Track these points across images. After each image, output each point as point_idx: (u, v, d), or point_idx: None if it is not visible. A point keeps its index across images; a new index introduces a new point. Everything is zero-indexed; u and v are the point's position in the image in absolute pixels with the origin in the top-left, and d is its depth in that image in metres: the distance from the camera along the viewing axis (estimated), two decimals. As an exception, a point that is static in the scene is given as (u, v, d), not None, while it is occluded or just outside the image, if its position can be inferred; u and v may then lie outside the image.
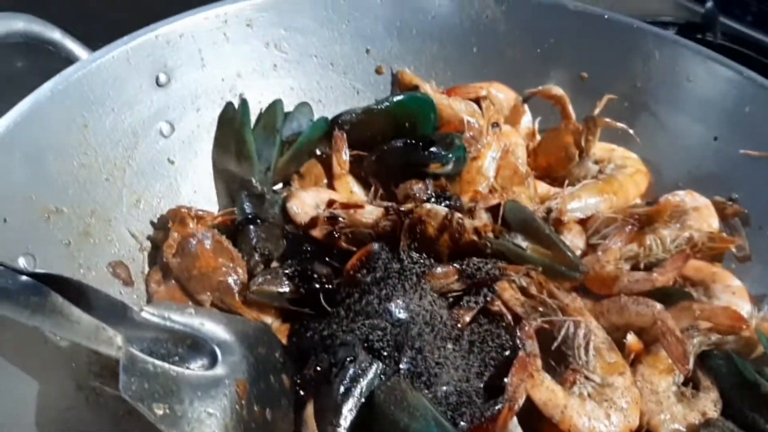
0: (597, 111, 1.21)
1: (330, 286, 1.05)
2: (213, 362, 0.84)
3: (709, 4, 1.78)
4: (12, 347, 0.85)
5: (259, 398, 0.85)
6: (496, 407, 0.88)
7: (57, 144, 0.97)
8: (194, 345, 0.85)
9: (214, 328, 0.88)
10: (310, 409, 0.91)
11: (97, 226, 1.02)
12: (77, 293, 0.77)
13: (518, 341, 0.95)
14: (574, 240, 1.11)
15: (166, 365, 0.79)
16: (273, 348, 0.95)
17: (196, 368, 0.82)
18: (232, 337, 0.88)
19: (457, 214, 1.05)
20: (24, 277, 0.74)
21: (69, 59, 1.03)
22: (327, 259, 1.10)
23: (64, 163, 0.98)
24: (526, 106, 1.31)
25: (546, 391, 0.91)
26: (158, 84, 1.10)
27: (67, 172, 0.98)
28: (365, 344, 0.95)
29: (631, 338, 0.99)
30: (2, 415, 0.82)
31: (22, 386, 0.86)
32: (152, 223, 1.11)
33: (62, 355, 0.93)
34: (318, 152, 1.25)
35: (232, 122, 1.17)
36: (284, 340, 1.02)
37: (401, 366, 0.93)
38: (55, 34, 1.04)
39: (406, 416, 0.85)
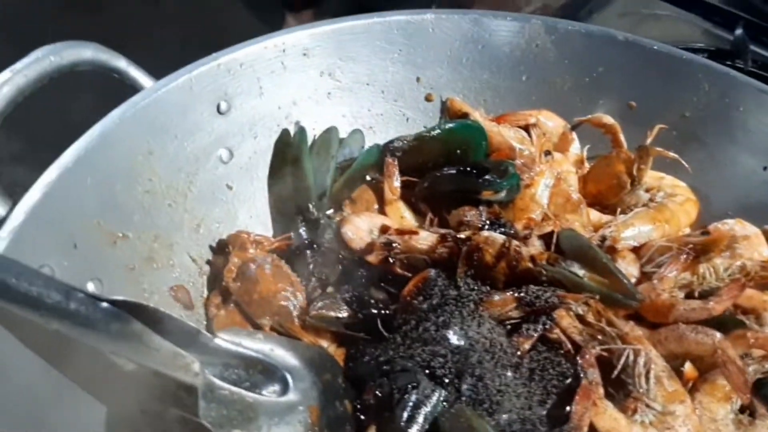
0: (649, 141, 1.22)
1: (387, 312, 1.06)
2: (284, 388, 0.85)
3: (739, 32, 1.80)
4: (82, 373, 0.87)
5: (328, 425, 0.86)
6: (562, 433, 0.88)
7: (124, 170, 0.99)
8: (265, 371, 0.86)
9: (283, 354, 0.89)
10: (371, 436, 0.92)
11: (160, 251, 1.03)
12: (152, 319, 0.79)
13: (580, 369, 0.96)
14: (628, 268, 1.12)
15: (243, 391, 0.80)
16: (336, 374, 0.96)
17: (268, 395, 0.83)
18: (300, 363, 0.89)
19: (515, 242, 1.06)
20: (105, 304, 0.76)
21: (134, 87, 1.05)
22: (382, 284, 1.11)
23: (130, 189, 1.00)
24: (574, 134, 1.32)
25: (609, 419, 0.92)
26: (219, 111, 1.12)
27: (132, 198, 1.00)
28: (427, 371, 0.96)
29: (688, 366, 1.00)
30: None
31: (91, 412, 0.87)
32: (211, 247, 1.12)
33: (127, 379, 0.94)
34: (369, 178, 1.26)
35: (288, 148, 1.19)
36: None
37: (463, 393, 0.94)
38: (121, 63, 1.06)
39: (474, 442, 0.85)
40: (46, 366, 0.82)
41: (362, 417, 0.94)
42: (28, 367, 0.80)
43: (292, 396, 0.84)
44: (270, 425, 0.78)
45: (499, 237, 1.06)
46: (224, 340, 0.84)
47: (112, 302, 0.76)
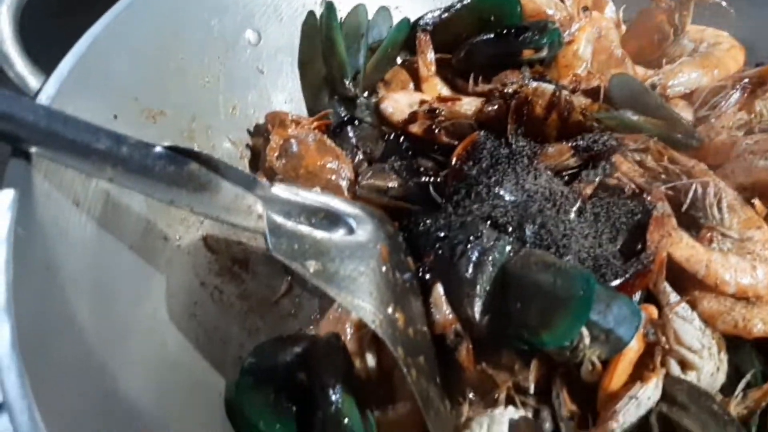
0: (688, -14, 1.17)
1: (438, 179, 1.02)
2: (350, 233, 0.81)
3: None
4: (134, 241, 0.83)
5: (397, 266, 0.82)
6: (645, 261, 0.84)
7: (155, 46, 0.95)
8: (328, 218, 0.82)
9: (342, 204, 0.85)
10: (438, 291, 0.87)
11: (198, 132, 1.00)
12: (208, 166, 0.75)
13: (649, 204, 0.92)
14: (682, 113, 1.07)
15: (312, 228, 0.76)
16: (395, 231, 0.92)
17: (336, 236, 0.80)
18: (361, 212, 0.85)
19: (565, 91, 1.02)
20: (158, 148, 0.72)
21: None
22: (429, 155, 1.07)
23: (163, 66, 0.96)
24: (609, -5, 1.28)
25: (686, 247, 0.88)
26: (241, -9, 1.08)
27: (166, 75, 0.96)
28: (488, 221, 0.92)
29: (758, 203, 0.96)
30: (134, 308, 0.80)
31: (148, 281, 0.84)
32: (249, 132, 1.08)
33: (182, 253, 0.91)
34: (400, 60, 1.22)
35: (317, 30, 1.15)
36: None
37: (527, 240, 0.90)
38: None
39: (551, 275, 0.81)
40: (100, 232, 0.78)
41: (426, 276, 0.91)
42: (85, 231, 0.76)
43: (360, 236, 0.80)
44: (343, 258, 0.74)
45: (548, 86, 1.02)
46: (282, 189, 0.80)
47: (166, 148, 0.72)
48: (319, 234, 0.76)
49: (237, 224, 0.76)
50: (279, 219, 0.75)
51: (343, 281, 0.73)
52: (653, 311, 0.81)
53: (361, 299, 0.73)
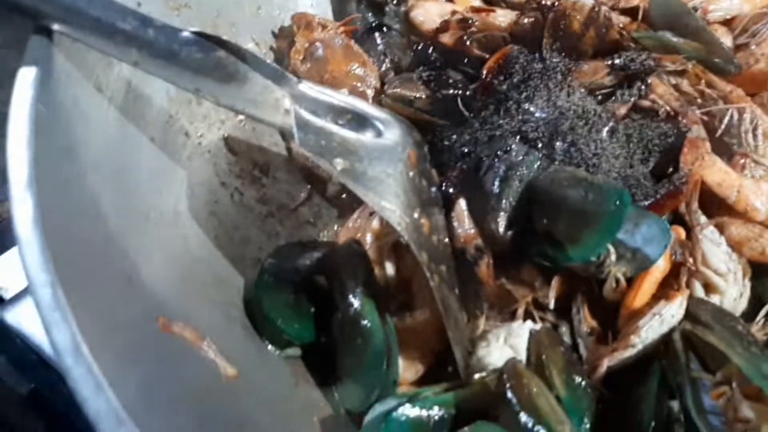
0: None
1: (467, 92, 0.99)
2: (378, 135, 0.79)
3: None
4: (156, 133, 0.81)
5: (424, 174, 0.81)
6: (677, 182, 0.82)
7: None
8: (355, 119, 0.80)
9: (370, 107, 0.83)
10: (461, 206, 0.86)
11: (222, 28, 0.96)
12: (237, 55, 0.72)
13: (684, 127, 0.89)
14: (722, 39, 1.03)
15: (340, 128, 0.74)
16: (421, 141, 0.90)
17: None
18: (390, 116, 0.83)
19: (604, 7, 0.98)
20: (186, 33, 0.69)
21: None
22: (459, 67, 1.04)
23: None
24: None
25: (719, 172, 0.86)
26: None
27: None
28: (518, 135, 0.89)
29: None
30: (156, 199, 0.78)
31: (169, 175, 0.82)
32: (273, 33, 1.05)
33: (203, 151, 0.90)
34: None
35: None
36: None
37: (556, 158, 0.88)
38: None
39: (582, 189, 0.79)
40: (122, 120, 0.76)
41: (450, 191, 0.89)
42: (107, 118, 0.74)
43: (388, 138, 0.78)
44: (371, 159, 0.72)
45: (588, 1, 0.98)
46: (310, 87, 0.77)
47: (194, 33, 0.69)
48: (348, 133, 0.74)
49: (263, 119, 0.74)
50: (307, 115, 0.72)
51: (370, 182, 0.71)
52: (682, 232, 0.80)
53: (388, 201, 0.72)
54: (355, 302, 0.74)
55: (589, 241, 0.75)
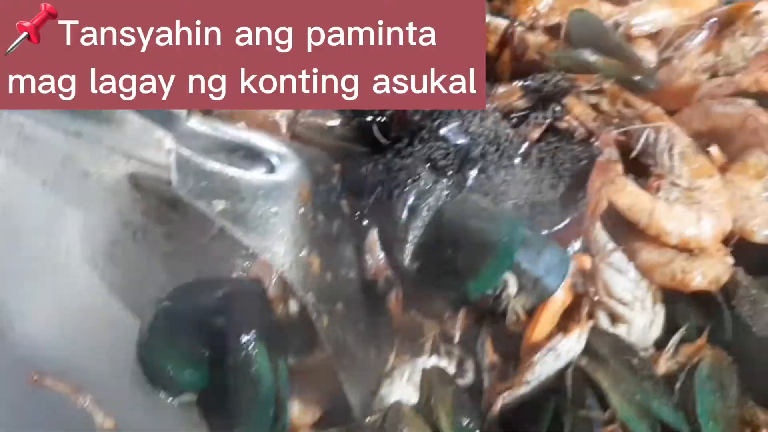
0: None
1: (383, 118, 0.97)
2: (271, 171, 0.77)
3: None
4: (49, 176, 0.80)
5: (322, 209, 0.78)
6: (582, 209, 0.81)
7: None
8: (248, 157, 0.77)
9: (267, 141, 0.80)
10: (373, 236, 0.84)
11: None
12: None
13: (595, 149, 0.88)
14: (645, 55, 1.01)
15: (224, 165, 0.71)
16: (330, 172, 0.88)
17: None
18: (287, 150, 0.81)
19: (520, 28, 0.96)
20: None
21: None
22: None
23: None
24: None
25: (630, 195, 0.83)
26: None
27: None
28: (428, 163, 0.88)
29: (715, 151, 0.91)
30: (45, 244, 0.77)
31: (65, 217, 0.81)
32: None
33: (105, 189, 0.88)
34: None
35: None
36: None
37: (466, 185, 0.86)
38: None
39: (483, 222, 0.78)
40: (8, 164, 0.75)
41: (363, 222, 0.88)
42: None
43: (280, 176, 0.76)
44: (255, 197, 0.70)
45: (501, 21, 0.97)
46: (199, 124, 0.76)
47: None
48: (232, 171, 0.71)
49: (149, 160, 0.72)
50: (189, 154, 0.70)
51: (252, 222, 0.69)
52: (585, 261, 0.78)
53: (270, 241, 0.70)
54: (246, 346, 0.72)
55: (486, 273, 0.74)
